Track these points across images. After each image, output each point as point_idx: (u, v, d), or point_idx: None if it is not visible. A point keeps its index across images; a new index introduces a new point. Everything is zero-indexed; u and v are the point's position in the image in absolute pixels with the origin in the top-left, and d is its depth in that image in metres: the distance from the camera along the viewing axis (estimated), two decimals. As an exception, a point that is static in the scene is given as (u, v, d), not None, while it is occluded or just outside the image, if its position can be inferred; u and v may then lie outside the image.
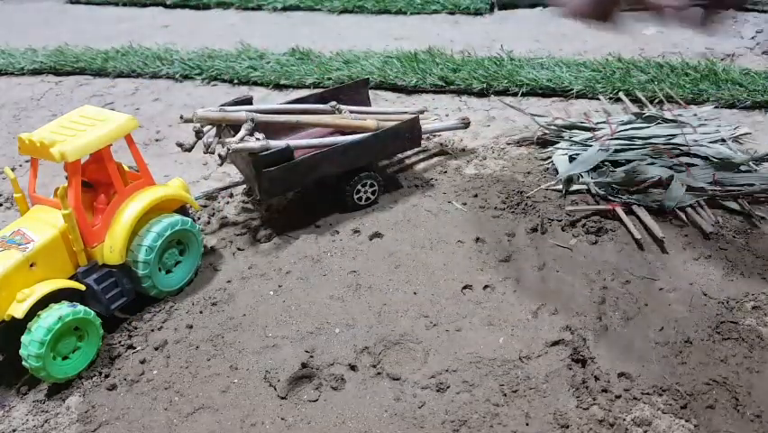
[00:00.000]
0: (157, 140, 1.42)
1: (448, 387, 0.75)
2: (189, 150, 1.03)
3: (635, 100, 1.39)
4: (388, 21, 2.11)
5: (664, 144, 1.18)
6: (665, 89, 1.40)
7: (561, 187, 1.10)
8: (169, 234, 0.89)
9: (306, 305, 0.89)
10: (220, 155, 0.94)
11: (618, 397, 0.72)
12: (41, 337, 0.75)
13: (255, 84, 1.65)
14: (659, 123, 1.24)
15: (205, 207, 1.14)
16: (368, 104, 1.22)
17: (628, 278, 0.90)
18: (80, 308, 0.80)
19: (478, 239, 0.99)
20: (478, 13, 2.10)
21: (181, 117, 1.02)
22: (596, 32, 1.93)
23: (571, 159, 1.16)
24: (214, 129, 1.03)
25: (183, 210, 0.96)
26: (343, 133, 1.08)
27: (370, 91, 1.24)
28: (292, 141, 1.01)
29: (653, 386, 0.73)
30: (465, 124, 1.19)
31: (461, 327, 0.83)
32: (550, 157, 1.20)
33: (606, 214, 1.03)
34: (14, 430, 0.74)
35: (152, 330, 0.87)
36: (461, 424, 0.70)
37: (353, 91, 1.20)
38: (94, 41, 2.04)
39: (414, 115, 1.11)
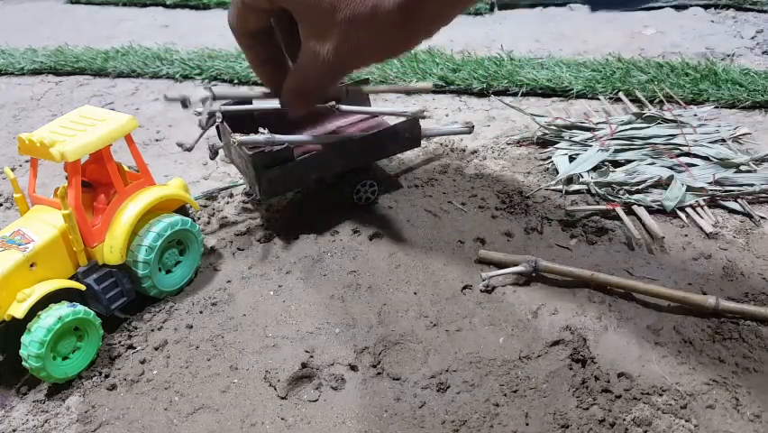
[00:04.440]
0: (157, 140, 1.42)
1: (448, 387, 0.75)
2: (190, 150, 1.03)
3: (635, 100, 1.39)
4: (388, 21, 2.11)
5: (664, 144, 1.18)
6: (665, 89, 1.40)
7: (561, 187, 1.10)
8: (169, 234, 0.89)
9: (306, 305, 0.89)
10: (210, 149, 0.96)
11: (618, 397, 0.72)
12: (41, 337, 0.75)
13: (255, 84, 1.66)
14: (659, 123, 1.24)
15: (205, 207, 1.14)
16: (368, 104, 1.22)
17: (628, 278, 0.90)
18: (80, 308, 0.80)
19: (478, 239, 0.99)
20: (478, 13, 2.10)
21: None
22: (596, 32, 1.93)
23: (571, 159, 1.16)
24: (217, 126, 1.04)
25: (183, 210, 0.96)
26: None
27: (370, 91, 1.24)
28: (294, 138, 1.01)
29: (653, 386, 0.73)
30: (469, 129, 1.19)
31: (461, 327, 0.83)
32: (550, 157, 1.20)
33: (606, 214, 1.03)
34: (14, 430, 0.74)
35: (152, 330, 0.87)
36: (461, 424, 0.70)
37: (353, 91, 1.20)
38: (94, 41, 2.04)
39: (414, 116, 1.10)
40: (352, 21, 0.63)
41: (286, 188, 1.03)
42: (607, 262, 0.94)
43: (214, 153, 0.96)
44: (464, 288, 0.90)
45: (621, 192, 1.06)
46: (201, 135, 1.02)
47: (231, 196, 1.17)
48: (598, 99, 1.42)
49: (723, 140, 1.19)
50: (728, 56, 1.64)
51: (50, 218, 0.83)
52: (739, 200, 1.04)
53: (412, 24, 0.64)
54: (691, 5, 2.01)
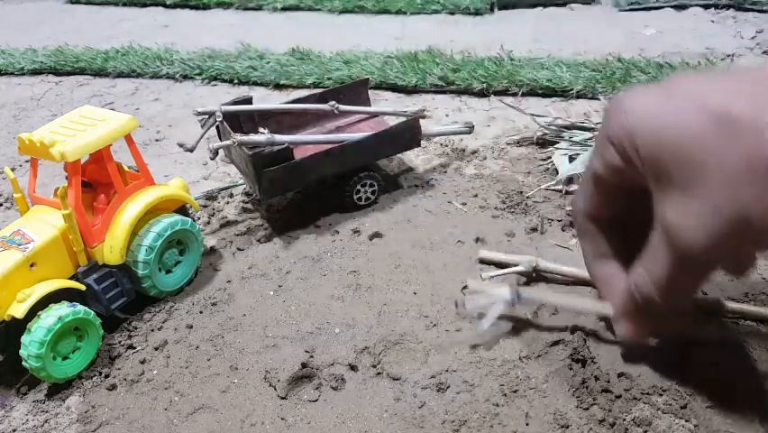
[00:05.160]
0: (157, 140, 1.42)
1: (448, 387, 0.75)
2: (192, 150, 1.03)
3: (635, 100, 1.39)
4: (388, 21, 2.11)
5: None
6: (665, 89, 1.40)
7: (561, 187, 1.10)
8: (169, 234, 0.89)
9: (306, 305, 0.89)
10: (210, 149, 0.96)
11: (618, 397, 0.72)
12: (41, 338, 0.75)
13: (255, 84, 1.66)
14: (659, 123, 1.24)
15: (205, 207, 1.14)
16: (368, 104, 1.22)
17: (628, 278, 0.90)
18: (80, 308, 0.80)
19: (478, 239, 0.99)
20: (478, 13, 2.10)
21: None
22: (596, 32, 1.93)
23: (571, 159, 1.16)
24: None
25: (183, 210, 0.96)
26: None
27: (370, 91, 1.24)
28: (293, 138, 1.02)
29: (653, 386, 0.73)
30: (469, 129, 1.19)
31: (462, 327, 0.83)
32: (550, 157, 1.20)
33: (606, 214, 1.03)
34: (14, 430, 0.74)
35: (152, 330, 0.87)
36: (461, 424, 0.70)
37: (353, 91, 1.20)
38: (94, 41, 2.04)
39: (414, 116, 1.11)
40: (740, 173, 0.42)
41: (286, 188, 1.03)
42: (607, 262, 0.94)
43: (214, 153, 0.97)
44: (464, 288, 0.90)
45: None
46: (202, 136, 1.03)
47: (231, 196, 1.17)
48: (598, 99, 1.42)
49: (723, 140, 1.19)
50: (728, 56, 1.64)
51: (50, 218, 0.83)
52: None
53: None
54: (691, 5, 2.01)
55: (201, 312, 0.89)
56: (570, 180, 1.11)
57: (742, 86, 0.45)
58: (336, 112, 1.14)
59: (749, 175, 0.42)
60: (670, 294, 0.47)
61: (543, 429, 0.70)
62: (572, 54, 1.69)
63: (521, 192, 1.09)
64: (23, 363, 0.77)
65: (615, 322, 0.50)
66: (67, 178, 0.82)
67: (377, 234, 1.02)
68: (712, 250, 0.44)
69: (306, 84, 1.60)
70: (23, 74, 1.83)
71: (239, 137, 0.95)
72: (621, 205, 0.54)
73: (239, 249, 1.02)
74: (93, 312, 0.82)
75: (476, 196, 1.10)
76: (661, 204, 0.47)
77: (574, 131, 1.26)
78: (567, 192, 1.09)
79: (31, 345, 0.76)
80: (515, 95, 1.49)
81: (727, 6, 1.98)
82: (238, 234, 1.05)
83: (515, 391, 0.74)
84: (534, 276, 0.90)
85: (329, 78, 1.59)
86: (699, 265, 0.45)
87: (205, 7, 2.37)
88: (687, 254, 0.45)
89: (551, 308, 0.85)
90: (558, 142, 1.23)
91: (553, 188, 1.11)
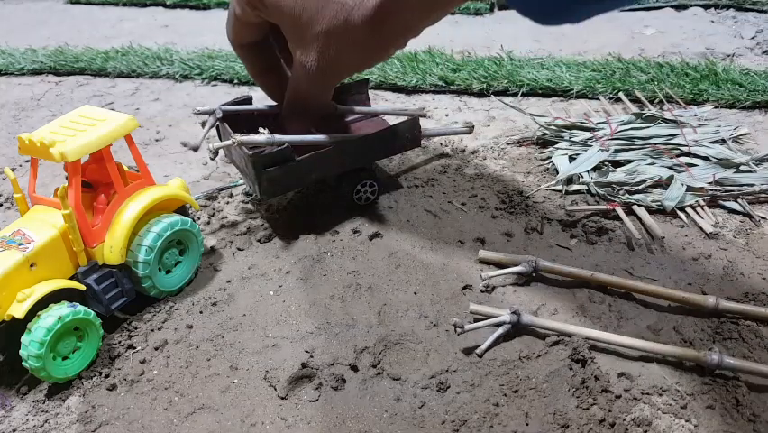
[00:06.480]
0: (157, 140, 1.42)
1: (448, 387, 0.75)
2: (196, 149, 1.03)
3: (635, 100, 1.39)
4: (388, 21, 2.11)
5: (664, 144, 1.18)
6: (665, 89, 1.40)
7: (561, 187, 1.10)
8: (169, 235, 0.89)
9: (306, 305, 0.89)
10: (210, 149, 0.96)
11: (618, 397, 0.72)
12: (41, 338, 0.75)
13: (255, 84, 1.65)
14: (659, 123, 1.24)
15: (205, 207, 1.14)
16: (368, 104, 1.22)
17: (628, 278, 0.90)
18: (80, 308, 0.80)
19: (478, 239, 0.99)
20: (478, 13, 2.10)
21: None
22: (596, 32, 1.93)
23: (571, 159, 1.16)
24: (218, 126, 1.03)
25: (183, 210, 0.96)
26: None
27: (370, 91, 1.24)
28: (293, 138, 1.01)
29: (653, 386, 0.73)
30: (469, 129, 1.19)
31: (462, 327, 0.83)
32: (550, 157, 1.20)
33: (606, 214, 1.03)
34: (14, 430, 0.74)
35: (152, 330, 0.87)
36: (461, 424, 0.70)
37: (353, 91, 1.20)
38: (94, 41, 2.04)
39: (414, 116, 1.11)
40: (327, 34, 0.69)
41: (286, 188, 1.02)
42: (607, 262, 0.94)
43: (214, 153, 0.96)
44: (464, 288, 0.90)
45: (621, 192, 1.06)
46: (205, 134, 1.02)
47: (231, 196, 1.17)
48: (598, 99, 1.42)
49: (723, 140, 1.19)
50: (728, 56, 1.64)
51: (50, 218, 0.83)
52: (739, 200, 1.04)
53: (381, 37, 0.69)
54: (691, 5, 2.01)
55: (201, 312, 0.89)
56: (570, 180, 1.11)
57: None
58: (336, 112, 1.13)
59: (338, 32, 0.68)
60: (308, 100, 0.75)
61: (543, 429, 0.70)
62: (572, 54, 1.69)
63: (521, 192, 1.09)
64: (23, 363, 0.77)
65: (282, 122, 0.79)
66: (67, 178, 0.82)
67: (377, 234, 1.02)
68: (324, 74, 0.72)
69: (306, 84, 1.60)
70: (23, 74, 1.83)
71: (239, 137, 0.95)
72: (259, 35, 0.79)
73: (239, 249, 1.02)
74: (93, 312, 0.82)
75: (476, 196, 1.10)
76: (289, 43, 0.74)
77: (574, 131, 1.26)
78: (567, 192, 1.09)
79: (31, 345, 0.76)
80: (515, 95, 1.49)
81: (727, 6, 1.99)
82: (238, 234, 1.05)
83: (515, 391, 0.74)
84: (534, 276, 0.90)
85: (329, 78, 1.59)
86: (319, 83, 0.74)
87: (205, 7, 2.37)
88: (309, 78, 0.72)
89: (551, 309, 0.85)
90: (558, 142, 1.23)
91: (552, 188, 1.11)
